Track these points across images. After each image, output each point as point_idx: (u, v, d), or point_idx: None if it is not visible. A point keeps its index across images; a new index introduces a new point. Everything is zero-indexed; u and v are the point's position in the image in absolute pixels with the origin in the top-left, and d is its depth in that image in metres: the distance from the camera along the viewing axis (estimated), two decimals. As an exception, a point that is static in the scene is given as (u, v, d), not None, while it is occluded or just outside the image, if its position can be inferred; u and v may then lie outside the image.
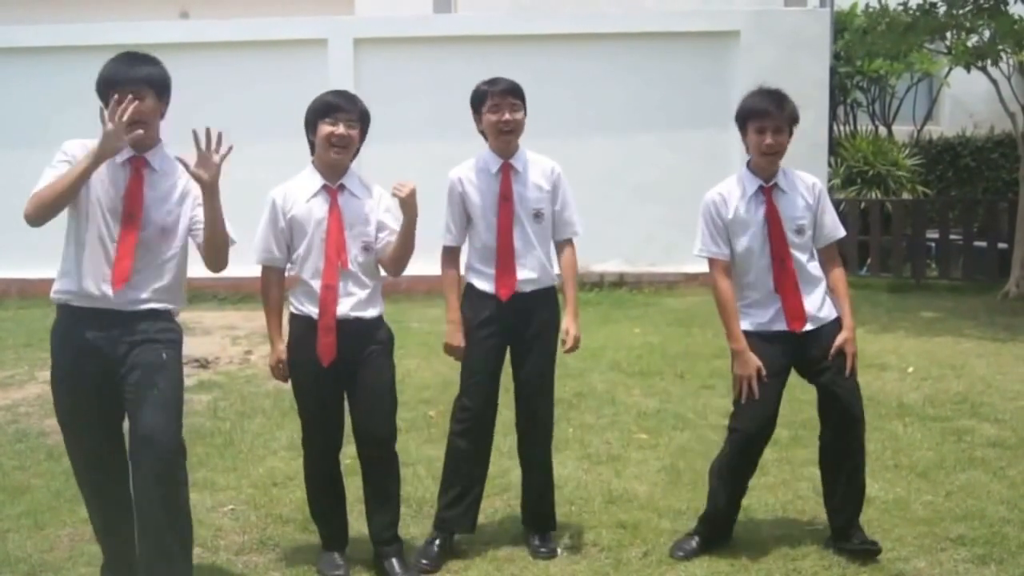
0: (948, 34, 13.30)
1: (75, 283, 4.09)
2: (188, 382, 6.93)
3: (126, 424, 4.14)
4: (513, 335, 4.93)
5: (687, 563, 4.71)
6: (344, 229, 4.56)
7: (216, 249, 4.18)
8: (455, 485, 4.98)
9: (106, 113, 3.91)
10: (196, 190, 4.19)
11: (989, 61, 12.71)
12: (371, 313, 4.61)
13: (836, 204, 14.52)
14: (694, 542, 4.85)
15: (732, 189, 4.84)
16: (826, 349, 4.73)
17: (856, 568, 4.61)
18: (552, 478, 5.14)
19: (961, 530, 5.01)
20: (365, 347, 4.59)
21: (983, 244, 14.00)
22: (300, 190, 4.63)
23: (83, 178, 3.99)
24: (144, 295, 4.11)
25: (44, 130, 13.49)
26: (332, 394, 4.61)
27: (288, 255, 4.65)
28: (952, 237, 14.20)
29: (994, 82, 13.18)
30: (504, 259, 4.86)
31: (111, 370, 4.07)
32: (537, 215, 4.93)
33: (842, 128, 16.95)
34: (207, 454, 6.42)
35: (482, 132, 4.98)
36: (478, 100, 4.91)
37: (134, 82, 4.06)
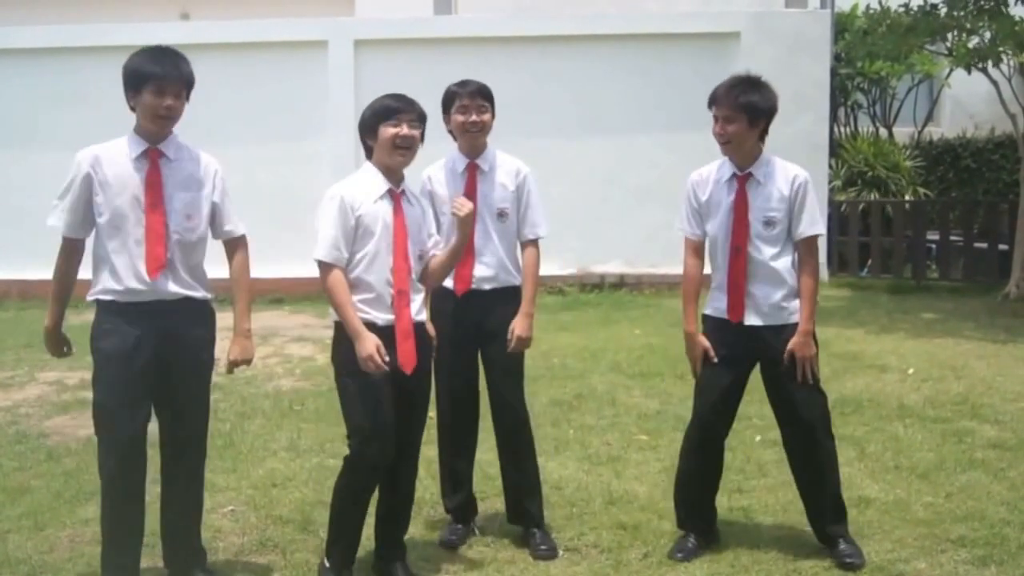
0: (949, 35, 13.30)
1: (114, 281, 4.25)
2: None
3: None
4: (477, 333, 5.00)
5: (687, 564, 4.70)
6: (408, 234, 4.47)
7: None
8: (447, 480, 5.23)
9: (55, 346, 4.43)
10: (216, 178, 4.50)
11: (990, 62, 12.72)
12: (424, 316, 4.63)
13: (837, 205, 14.57)
14: (690, 541, 4.84)
15: (712, 172, 4.86)
16: (781, 352, 4.70)
17: (857, 570, 4.61)
18: (536, 474, 5.15)
19: (961, 531, 5.00)
20: (424, 355, 4.54)
21: (983, 245, 14.00)
22: (366, 191, 4.44)
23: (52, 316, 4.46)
24: (180, 282, 4.33)
25: (45, 131, 13.55)
26: (392, 402, 4.41)
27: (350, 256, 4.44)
28: (952, 238, 14.21)
29: (995, 83, 13.19)
30: (464, 256, 4.91)
31: (152, 363, 4.27)
32: (501, 214, 5.01)
33: (843, 130, 16.95)
34: (207, 455, 6.41)
35: (451, 132, 5.10)
36: (448, 101, 5.04)
37: (179, 81, 4.27)
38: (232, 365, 4.52)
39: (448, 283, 4.97)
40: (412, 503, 4.75)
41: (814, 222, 4.75)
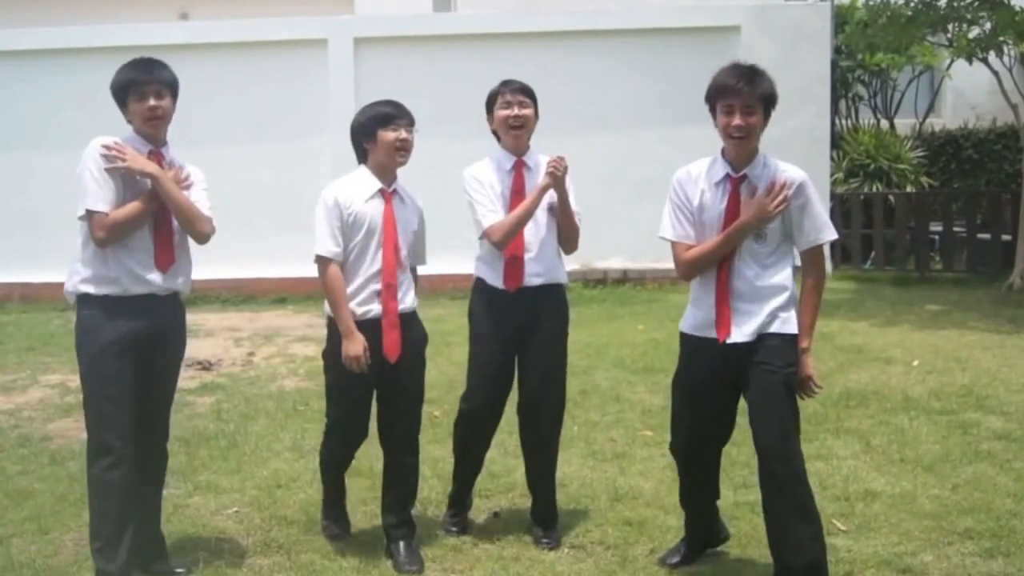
0: (949, 26, 13.28)
1: (113, 275, 4.37)
2: (191, 384, 6.94)
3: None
4: (521, 330, 5.00)
5: (692, 561, 4.68)
6: (398, 231, 4.78)
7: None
8: (459, 471, 5.28)
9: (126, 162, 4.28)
10: (196, 178, 4.62)
11: (991, 53, 12.68)
12: (414, 305, 4.89)
13: (839, 198, 14.55)
14: (681, 550, 4.71)
15: (703, 171, 4.40)
16: (762, 363, 4.25)
17: (863, 563, 4.59)
18: (555, 470, 5.20)
19: (968, 523, 4.99)
20: (411, 341, 4.83)
21: (987, 236, 13.98)
22: (358, 191, 4.78)
23: (150, 205, 4.36)
24: (173, 279, 4.52)
25: (45, 134, 13.53)
26: (370, 388, 4.83)
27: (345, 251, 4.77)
28: (956, 229, 14.18)
29: (996, 74, 13.16)
30: (514, 253, 4.97)
31: (140, 352, 4.40)
32: (551, 209, 5.04)
33: (844, 122, 16.93)
34: (210, 457, 6.40)
35: (494, 132, 5.13)
36: (491, 100, 5.08)
37: (157, 83, 4.41)
38: None
39: (497, 282, 4.99)
40: (412, 490, 4.94)
41: (819, 228, 4.31)
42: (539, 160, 5.10)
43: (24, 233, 13.15)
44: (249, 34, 14.14)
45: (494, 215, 4.92)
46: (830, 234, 4.35)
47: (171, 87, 4.46)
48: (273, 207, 13.25)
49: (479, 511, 5.35)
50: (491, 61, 13.30)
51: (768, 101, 4.27)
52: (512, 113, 5.00)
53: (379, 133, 4.74)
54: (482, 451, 5.24)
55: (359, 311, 4.69)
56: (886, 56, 15.77)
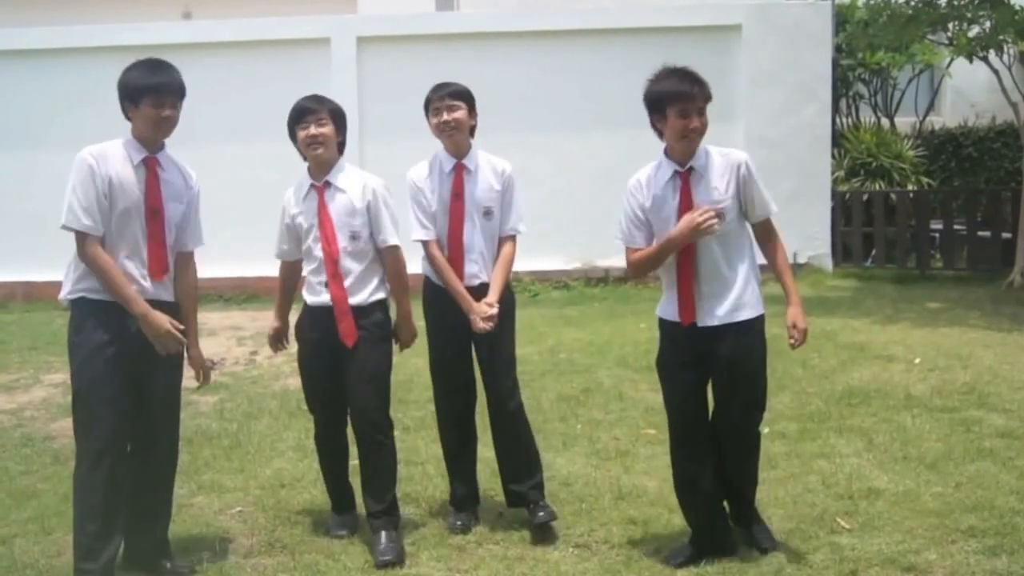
0: (949, 25, 13.30)
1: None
2: (194, 383, 6.89)
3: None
4: (469, 325, 5.10)
5: (698, 559, 4.67)
6: (332, 222, 4.91)
7: None
8: (449, 469, 5.41)
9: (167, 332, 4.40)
10: (197, 193, 4.75)
11: (991, 51, 12.69)
12: (369, 300, 4.92)
13: (840, 196, 14.56)
14: (687, 551, 4.70)
15: (651, 175, 4.72)
16: (731, 348, 4.52)
17: (867, 561, 4.59)
18: (534, 453, 5.25)
19: (971, 521, 4.99)
20: (366, 325, 4.91)
21: (987, 234, 13.98)
22: (297, 192, 5.08)
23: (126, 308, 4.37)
24: (165, 288, 4.56)
25: (49, 133, 13.53)
26: (329, 370, 4.99)
27: (299, 249, 5.07)
28: (956, 227, 14.19)
29: (995, 72, 13.17)
30: (454, 254, 5.12)
31: (134, 356, 4.40)
32: (487, 213, 5.17)
33: (845, 120, 16.95)
34: (213, 456, 6.41)
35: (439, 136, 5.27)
36: (426, 107, 5.26)
37: (175, 93, 4.49)
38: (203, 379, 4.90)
39: (440, 281, 5.14)
40: (387, 473, 5.00)
41: (766, 203, 4.64)
42: (479, 162, 5.21)
43: (27, 232, 13.13)
44: (252, 33, 14.16)
45: (426, 233, 5.14)
46: (774, 207, 4.68)
47: (183, 95, 4.53)
48: (276, 206, 13.22)
49: (483, 511, 5.35)
50: (493, 60, 13.34)
51: (709, 101, 4.64)
52: (442, 119, 5.13)
53: (297, 132, 4.99)
54: (465, 447, 5.34)
55: (310, 300, 4.95)
56: (886, 55, 15.77)
